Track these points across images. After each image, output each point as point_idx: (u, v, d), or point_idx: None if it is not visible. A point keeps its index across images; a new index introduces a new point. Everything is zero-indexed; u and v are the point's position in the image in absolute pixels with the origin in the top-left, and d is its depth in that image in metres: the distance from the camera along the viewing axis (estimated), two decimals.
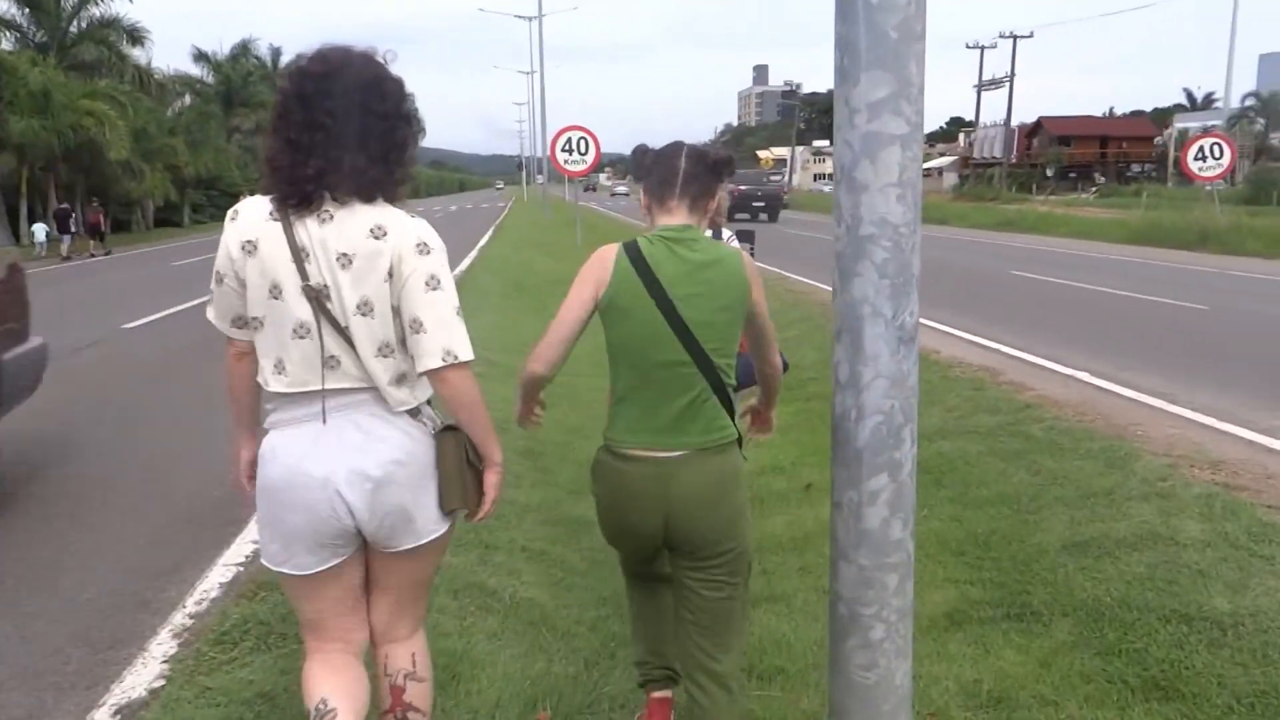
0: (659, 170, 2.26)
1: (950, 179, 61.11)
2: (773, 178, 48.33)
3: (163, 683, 2.89)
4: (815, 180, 76.55)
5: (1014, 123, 54.85)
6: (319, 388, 1.92)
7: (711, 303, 2.14)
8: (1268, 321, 10.54)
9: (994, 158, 56.38)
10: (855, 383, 1.91)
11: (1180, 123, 55.24)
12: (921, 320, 1.95)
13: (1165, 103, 76.10)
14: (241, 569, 3.81)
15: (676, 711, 2.52)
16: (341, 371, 1.92)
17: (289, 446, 1.94)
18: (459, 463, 2.00)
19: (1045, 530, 4.01)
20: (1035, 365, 7.80)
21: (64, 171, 31.21)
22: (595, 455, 2.29)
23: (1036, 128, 60.83)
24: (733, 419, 2.25)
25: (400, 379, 1.95)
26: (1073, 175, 56.42)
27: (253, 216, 1.92)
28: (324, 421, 1.93)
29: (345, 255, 1.88)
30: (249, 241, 1.90)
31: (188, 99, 43.81)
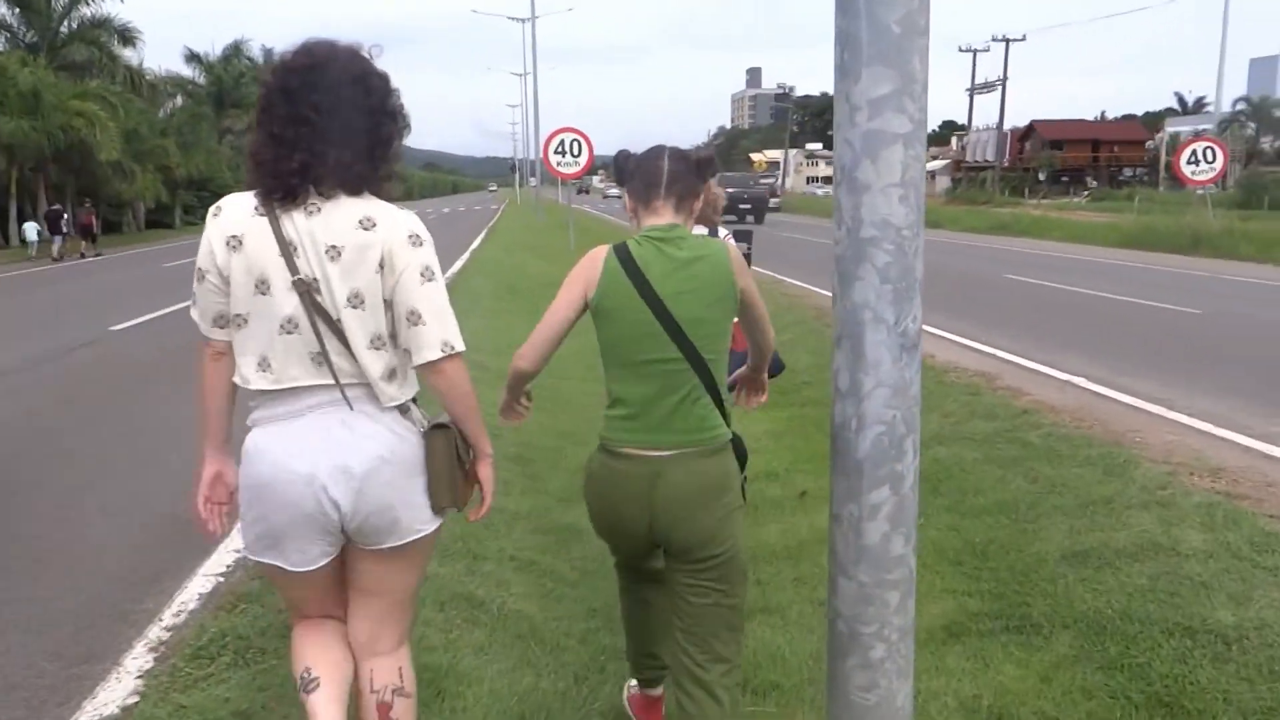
0: (642, 173, 2.27)
1: (943, 182, 61.23)
2: (764, 180, 48.38)
3: (136, 699, 2.80)
4: (808, 183, 76.59)
5: (1006, 126, 55.00)
6: (305, 384, 1.90)
7: (701, 298, 2.15)
8: (1262, 326, 10.52)
9: (986, 161, 56.53)
10: (856, 391, 1.83)
11: (1171, 127, 55.50)
12: None
13: (1156, 107, 76.41)
14: (222, 579, 3.71)
15: (667, 711, 2.48)
16: (329, 367, 1.89)
17: (274, 443, 1.91)
18: (449, 461, 1.98)
19: (1044, 539, 3.94)
20: (1031, 370, 7.75)
21: (54, 172, 31.04)
22: (590, 454, 2.30)
23: (1029, 131, 60.99)
24: (726, 420, 2.23)
25: (391, 373, 1.93)
26: (1065, 179, 56.57)
27: (237, 213, 1.90)
28: (310, 417, 1.90)
29: (334, 247, 1.86)
30: (234, 237, 1.87)
31: (179, 100, 43.57)
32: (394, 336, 1.92)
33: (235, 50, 46.53)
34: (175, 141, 37.25)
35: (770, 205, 38.94)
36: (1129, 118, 73.09)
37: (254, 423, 1.95)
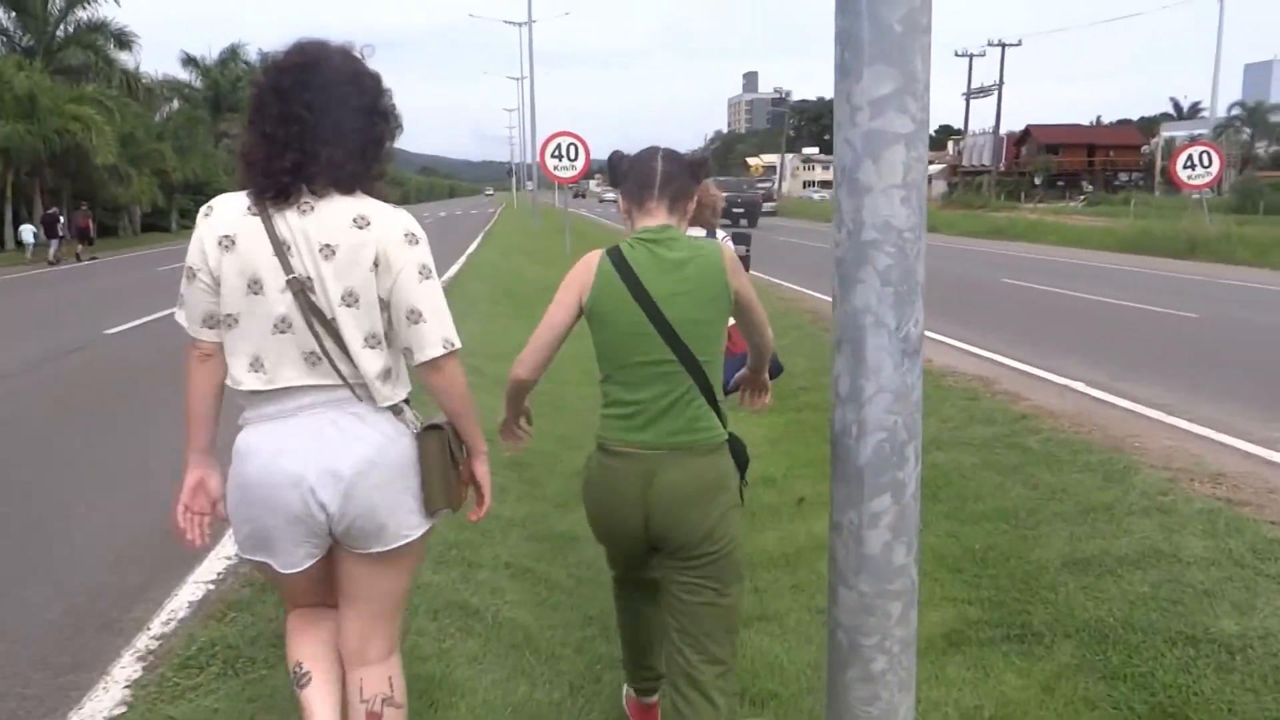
0: (636, 174, 2.27)
1: (939, 187, 61.28)
2: (761, 185, 48.37)
3: (124, 710, 2.75)
4: (805, 188, 76.66)
5: (1002, 131, 55.06)
6: (298, 384, 1.88)
7: (694, 300, 2.14)
8: (1260, 330, 10.50)
9: (983, 166, 56.58)
10: (856, 397, 1.80)
11: (1167, 132, 55.56)
12: None
13: (1152, 111, 76.69)
14: (213, 587, 3.66)
15: (663, 714, 2.46)
16: (322, 368, 1.88)
17: (264, 443, 1.89)
18: (443, 462, 1.97)
19: (1044, 546, 3.90)
20: (1029, 375, 7.72)
21: (50, 176, 30.96)
22: (589, 454, 2.31)
23: (1025, 136, 61.13)
24: (722, 422, 2.22)
25: (387, 373, 1.92)
26: (1060, 183, 56.70)
27: (229, 212, 1.89)
28: (300, 418, 1.89)
29: (328, 246, 1.85)
30: (226, 236, 1.86)
31: (176, 104, 43.51)
32: (389, 335, 1.91)
33: (232, 54, 46.43)
34: (171, 145, 37.15)
35: (765, 209, 39.01)
36: (1124, 123, 73.37)
37: (244, 422, 1.94)
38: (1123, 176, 58.21)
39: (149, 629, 3.33)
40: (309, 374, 1.88)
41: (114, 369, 8.83)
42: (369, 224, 1.87)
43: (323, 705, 2.06)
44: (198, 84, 45.64)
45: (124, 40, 34.77)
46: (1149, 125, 66.93)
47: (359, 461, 1.88)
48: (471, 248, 24.20)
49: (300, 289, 1.85)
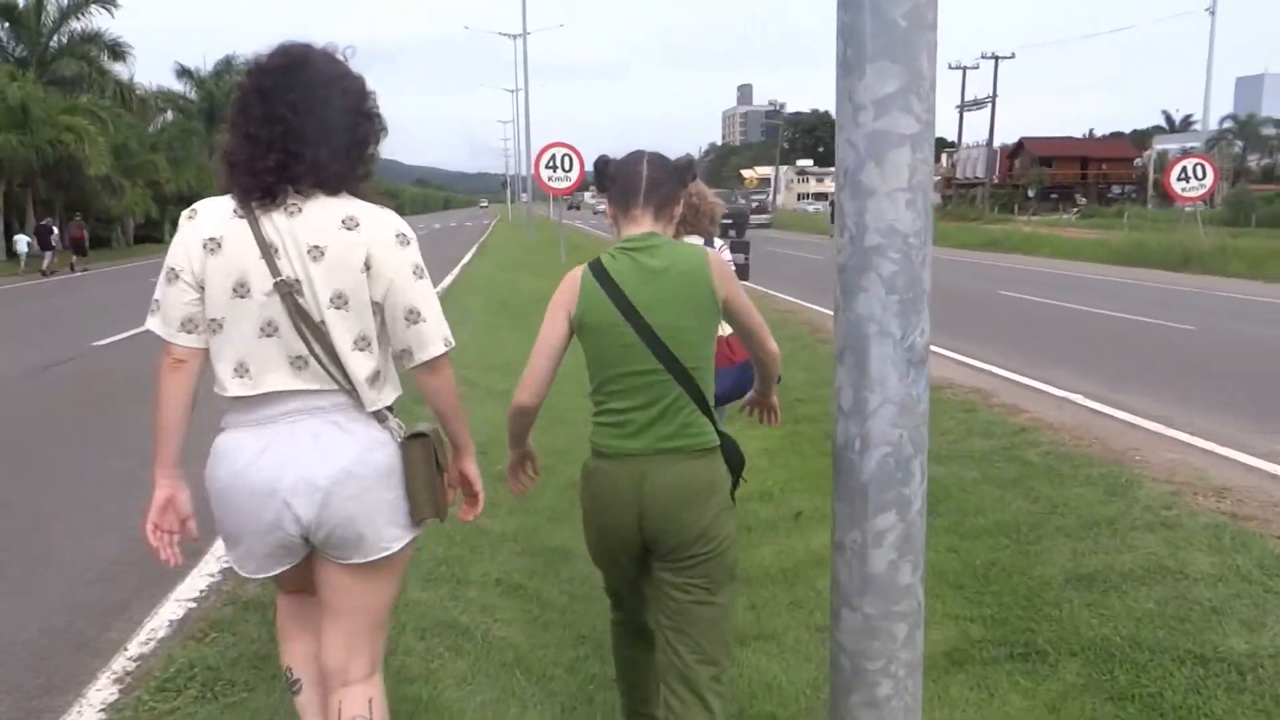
0: (622, 179, 2.24)
1: (933, 199, 61.34)
2: (755, 197, 48.47)
3: None
4: (799, 200, 76.75)
5: (996, 143, 55.26)
6: (283, 389, 1.84)
7: (677, 307, 2.12)
8: (1255, 342, 10.46)
9: (976, 178, 56.71)
10: (860, 409, 1.72)
11: (1159, 144, 55.88)
12: None
13: (1144, 124, 77.01)
14: (194, 605, 3.55)
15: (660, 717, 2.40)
16: (309, 372, 1.85)
17: (238, 450, 1.86)
18: (429, 470, 1.95)
19: (1047, 562, 3.82)
20: (1027, 387, 7.65)
21: (43, 187, 30.84)
22: (585, 459, 2.29)
23: (1018, 148, 61.29)
24: (715, 428, 2.19)
25: (375, 376, 1.89)
26: (1054, 196, 56.81)
27: (214, 215, 1.86)
28: (281, 425, 1.84)
29: (317, 248, 1.82)
30: (212, 239, 1.83)
31: (170, 115, 43.43)
32: (380, 338, 1.89)
33: (227, 66, 46.33)
34: (165, 157, 37.06)
35: (760, 222, 39.23)
36: (1117, 135, 73.61)
37: (225, 425, 1.91)
38: (1116, 189, 58.39)
39: (126, 650, 3.23)
40: (295, 379, 1.85)
41: (101, 381, 8.71)
42: (358, 225, 1.85)
43: (316, 716, 2.08)
44: (192, 95, 45.56)
45: (118, 51, 34.74)
46: (1141, 138, 67.22)
47: (336, 472, 1.85)
48: (466, 258, 24.14)
49: (288, 291, 1.82)
